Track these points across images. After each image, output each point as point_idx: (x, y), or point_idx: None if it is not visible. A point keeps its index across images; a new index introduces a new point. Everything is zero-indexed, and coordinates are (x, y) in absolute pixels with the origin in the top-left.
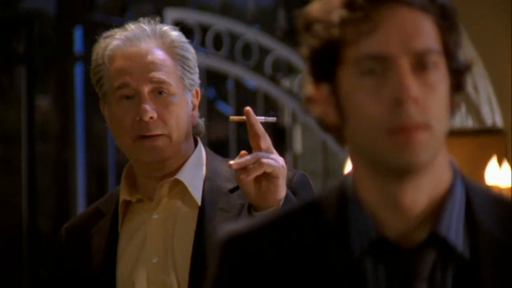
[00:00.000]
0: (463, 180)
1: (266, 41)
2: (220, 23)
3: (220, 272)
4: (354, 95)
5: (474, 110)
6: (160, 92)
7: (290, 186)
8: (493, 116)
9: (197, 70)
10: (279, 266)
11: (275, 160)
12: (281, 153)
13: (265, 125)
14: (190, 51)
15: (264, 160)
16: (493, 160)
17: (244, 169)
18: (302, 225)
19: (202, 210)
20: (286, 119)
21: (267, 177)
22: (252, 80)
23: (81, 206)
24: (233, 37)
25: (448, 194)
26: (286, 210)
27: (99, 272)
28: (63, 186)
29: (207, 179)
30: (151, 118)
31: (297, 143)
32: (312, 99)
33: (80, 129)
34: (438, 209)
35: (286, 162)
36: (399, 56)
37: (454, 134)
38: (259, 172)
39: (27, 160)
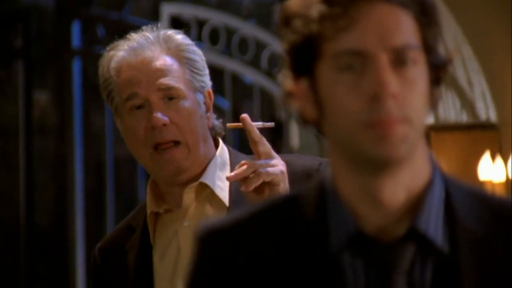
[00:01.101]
0: (442, 175)
1: (263, 35)
2: (216, 18)
3: (199, 266)
4: (333, 90)
5: (468, 105)
6: (171, 98)
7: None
8: (487, 111)
9: (207, 71)
10: (257, 260)
11: (274, 167)
12: (278, 147)
13: (261, 120)
14: (197, 53)
15: (262, 170)
16: (487, 155)
17: (243, 180)
18: (281, 220)
19: (230, 211)
20: (283, 114)
21: (268, 185)
22: (249, 75)
23: (79, 201)
24: (230, 32)
25: (427, 189)
26: (265, 205)
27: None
28: (61, 181)
29: None
30: (163, 125)
31: (294, 137)
32: (291, 94)
33: (78, 124)
34: (417, 204)
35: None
36: (378, 52)
37: (449, 128)
38: (257, 183)
39: (25, 154)
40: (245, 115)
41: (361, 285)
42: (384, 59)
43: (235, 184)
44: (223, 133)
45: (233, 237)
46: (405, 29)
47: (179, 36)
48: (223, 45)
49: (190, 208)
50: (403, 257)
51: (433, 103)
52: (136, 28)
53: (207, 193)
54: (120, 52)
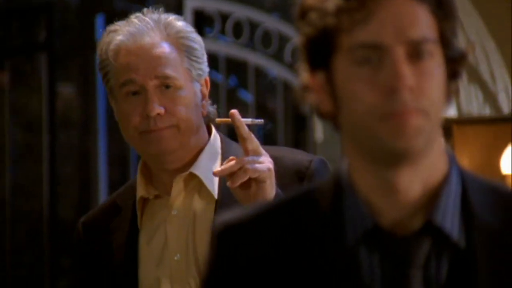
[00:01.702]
0: (459, 169)
1: (286, 29)
2: (240, 11)
3: (217, 262)
4: (349, 83)
5: (491, 99)
6: (167, 86)
7: (306, 175)
8: (510, 104)
9: (205, 58)
10: (274, 255)
11: (262, 164)
12: (302, 141)
13: (284, 114)
14: (196, 41)
15: (249, 166)
16: (509, 148)
17: (230, 175)
18: (297, 214)
19: (219, 203)
20: (306, 107)
21: (254, 182)
22: (272, 68)
23: (102, 194)
24: (253, 25)
25: (444, 182)
26: (281, 200)
27: (121, 270)
28: (85, 174)
29: None
30: (158, 114)
31: (318, 131)
32: (308, 87)
33: (101, 117)
34: (433, 197)
35: (307, 150)
36: (394, 45)
37: (471, 122)
38: (243, 178)
39: (49, 148)
40: (234, 111)
41: (377, 280)
42: (400, 52)
43: (225, 177)
44: (216, 118)
45: (249, 232)
46: (421, 22)
47: (179, 23)
48: (247, 39)
49: (178, 197)
50: (419, 251)
51: (450, 97)
52: None
53: (196, 183)
54: (119, 36)
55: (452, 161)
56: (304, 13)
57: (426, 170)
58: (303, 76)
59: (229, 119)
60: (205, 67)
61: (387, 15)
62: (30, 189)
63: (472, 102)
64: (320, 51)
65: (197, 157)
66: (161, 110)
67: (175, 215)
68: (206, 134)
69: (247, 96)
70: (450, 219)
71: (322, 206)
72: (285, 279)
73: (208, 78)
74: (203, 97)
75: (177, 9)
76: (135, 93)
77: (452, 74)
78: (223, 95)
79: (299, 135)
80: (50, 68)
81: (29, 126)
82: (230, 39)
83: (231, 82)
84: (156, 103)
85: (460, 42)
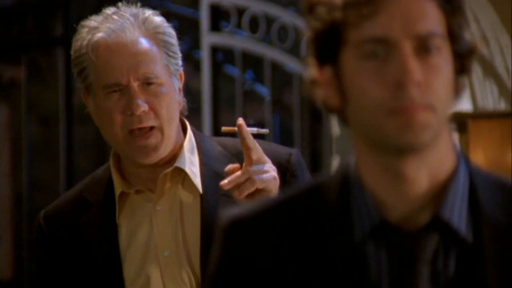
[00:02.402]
0: (467, 164)
1: (302, 23)
2: (256, 6)
3: (223, 257)
4: (357, 77)
5: (506, 93)
6: (149, 83)
7: (288, 168)
8: None
9: (180, 54)
10: (281, 250)
11: (267, 173)
12: (318, 136)
13: (300, 108)
14: (173, 36)
15: (256, 177)
16: None
17: (236, 186)
18: (304, 209)
19: (204, 197)
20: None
21: (260, 192)
22: (288, 63)
23: None
24: (269, 20)
25: (452, 177)
26: (288, 195)
27: (101, 268)
28: None
29: (202, 164)
30: (143, 111)
31: (334, 125)
32: (315, 81)
33: None
34: (441, 192)
35: (323, 145)
36: (402, 40)
37: (486, 116)
38: (251, 189)
39: (65, 142)
40: (241, 122)
41: (384, 275)
42: (408, 47)
43: (205, 170)
44: (186, 113)
45: (256, 227)
46: (429, 17)
47: (157, 18)
48: (263, 33)
49: (163, 192)
50: (427, 246)
51: (458, 92)
52: (177, 16)
53: (181, 178)
54: (99, 33)
55: (460, 156)
56: (312, 8)
57: (433, 161)
58: (311, 71)
59: (235, 128)
60: (180, 62)
61: (395, 9)
62: (46, 184)
63: (488, 97)
64: (328, 45)
65: (179, 152)
66: (145, 107)
67: (160, 210)
68: (181, 129)
69: (263, 90)
70: (457, 215)
71: (329, 201)
72: (293, 274)
73: (182, 73)
74: (179, 92)
75: (194, 3)
76: (116, 90)
77: (461, 69)
78: (239, 90)
79: (315, 130)
80: (66, 63)
81: (46, 121)
82: (246, 34)
83: (248, 76)
84: (140, 100)
85: (470, 36)
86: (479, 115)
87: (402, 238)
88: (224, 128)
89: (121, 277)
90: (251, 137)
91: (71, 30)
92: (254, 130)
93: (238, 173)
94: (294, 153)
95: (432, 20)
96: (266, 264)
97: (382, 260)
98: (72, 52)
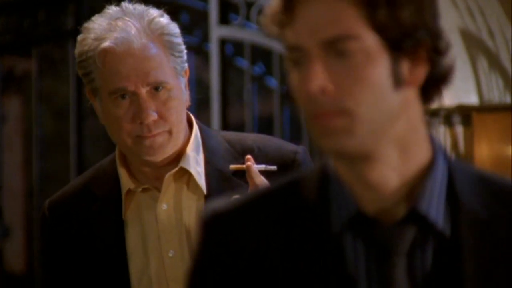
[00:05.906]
0: (446, 158)
1: None
2: None
3: (203, 250)
4: (293, 84)
5: None
6: (157, 88)
7: (293, 167)
8: None
9: (184, 50)
10: (261, 243)
11: None
12: None
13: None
14: (178, 35)
15: None
16: None
17: None
18: (284, 203)
19: (209, 198)
20: None
21: None
22: None
23: None
24: None
25: (429, 171)
26: (269, 188)
27: (108, 263)
28: None
29: (206, 162)
30: (152, 120)
31: None
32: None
33: None
34: (418, 186)
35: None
36: (309, 46)
37: (491, 109)
38: None
39: (76, 135)
40: (250, 161)
41: (361, 266)
42: (315, 53)
43: (210, 169)
44: (189, 103)
45: (236, 220)
46: (340, 20)
47: (162, 20)
48: None
49: (168, 192)
50: (403, 239)
51: (412, 82)
52: (187, 9)
53: (186, 178)
54: (105, 42)
55: (438, 149)
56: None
57: (399, 161)
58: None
59: (243, 166)
60: (185, 58)
61: (304, 16)
62: (58, 177)
63: (493, 90)
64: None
65: (184, 151)
66: (154, 116)
67: (165, 210)
68: (187, 125)
69: (272, 82)
70: (435, 208)
71: (308, 194)
72: (272, 267)
73: (187, 69)
74: (185, 88)
75: None
76: (123, 96)
77: (406, 55)
78: (248, 82)
79: None
80: None
81: (57, 114)
82: (255, 27)
83: (258, 69)
84: (150, 109)
85: (408, 16)
86: (483, 108)
87: (378, 230)
88: (232, 166)
89: (127, 274)
90: (259, 176)
91: (82, 23)
92: (262, 167)
93: None
94: (300, 152)
95: (344, 23)
96: (246, 256)
97: (359, 252)
98: (76, 54)
